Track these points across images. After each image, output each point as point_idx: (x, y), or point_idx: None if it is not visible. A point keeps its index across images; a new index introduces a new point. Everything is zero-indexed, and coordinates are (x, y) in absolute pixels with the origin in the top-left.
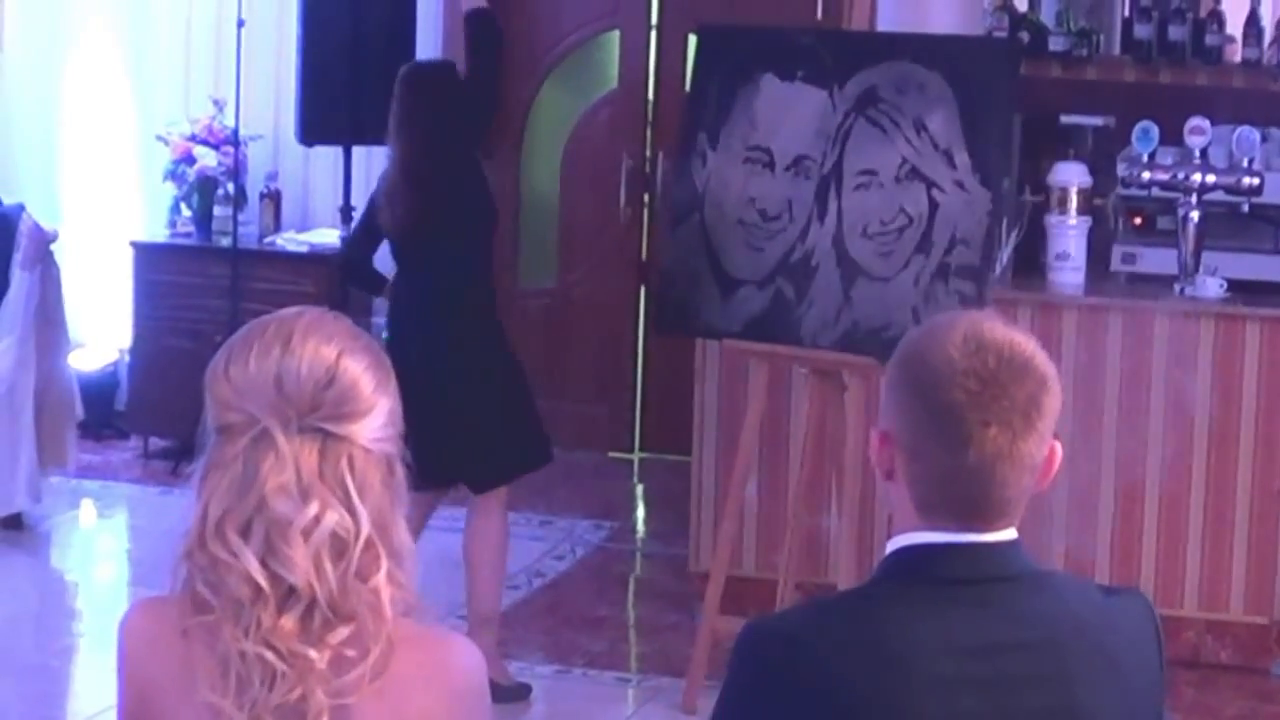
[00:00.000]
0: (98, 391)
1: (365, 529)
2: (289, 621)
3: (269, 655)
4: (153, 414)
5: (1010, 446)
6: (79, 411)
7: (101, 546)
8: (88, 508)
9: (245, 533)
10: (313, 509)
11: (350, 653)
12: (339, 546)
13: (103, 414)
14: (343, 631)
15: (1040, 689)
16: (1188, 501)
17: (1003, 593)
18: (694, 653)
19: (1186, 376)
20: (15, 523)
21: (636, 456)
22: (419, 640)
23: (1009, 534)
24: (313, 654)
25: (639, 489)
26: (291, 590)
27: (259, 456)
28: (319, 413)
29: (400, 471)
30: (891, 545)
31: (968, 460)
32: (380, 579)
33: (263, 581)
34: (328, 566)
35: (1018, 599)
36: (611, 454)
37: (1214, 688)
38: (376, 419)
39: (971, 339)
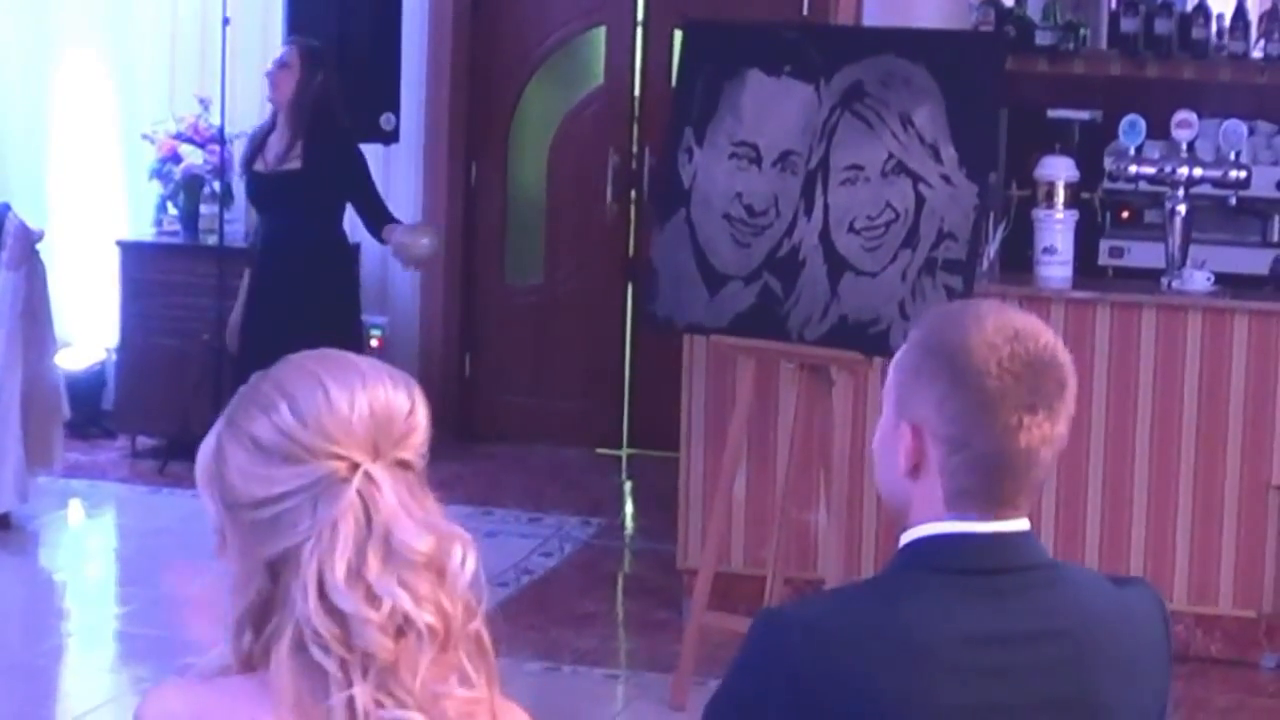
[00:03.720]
0: (85, 391)
1: (472, 559)
2: (422, 665)
3: (403, 697)
4: (140, 413)
5: (1051, 431)
6: (66, 411)
7: (89, 546)
8: (75, 507)
9: (377, 579)
10: (437, 544)
11: (480, 695)
12: (457, 579)
13: (90, 413)
14: (468, 669)
15: (1058, 679)
16: (1176, 495)
17: (1020, 583)
18: (682, 649)
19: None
20: (3, 523)
21: (624, 453)
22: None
23: (1024, 524)
24: (445, 701)
25: (627, 485)
26: (424, 632)
27: (370, 500)
28: (404, 444)
29: None
30: (907, 536)
31: (1017, 446)
32: (482, 613)
33: (418, 621)
34: (453, 601)
35: (1035, 589)
36: (599, 450)
37: (1203, 681)
38: (420, 436)
39: (1005, 327)
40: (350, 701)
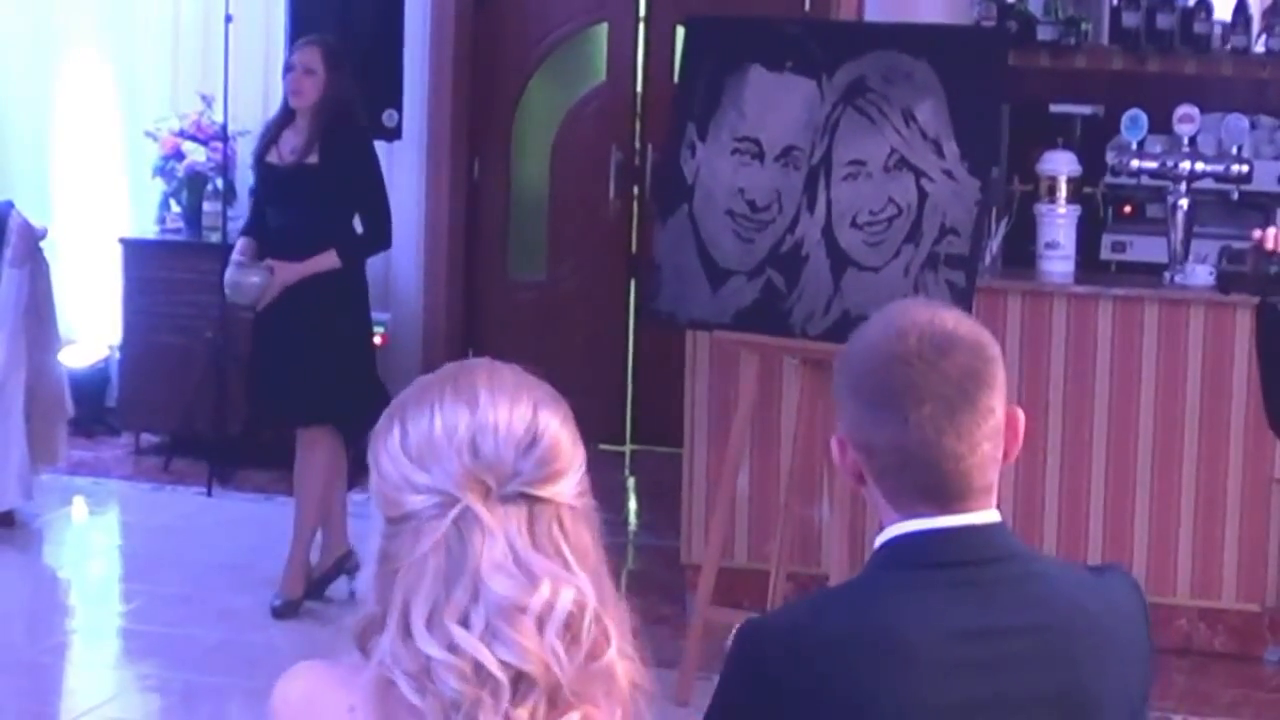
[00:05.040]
0: (88, 388)
1: (591, 600)
2: (523, 713)
3: None
4: (144, 410)
5: (949, 422)
6: (70, 408)
7: (93, 543)
8: (79, 504)
9: (464, 623)
10: (545, 588)
11: None
12: (570, 624)
13: (93, 410)
14: (574, 717)
15: (1043, 671)
16: (1179, 489)
17: (995, 575)
18: (686, 644)
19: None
20: (7, 520)
21: (627, 449)
22: None
23: (990, 515)
24: None
25: (630, 481)
26: (519, 678)
27: (465, 538)
28: (521, 477)
29: (600, 526)
30: (879, 539)
31: (910, 442)
32: (612, 654)
33: (497, 672)
34: (559, 647)
35: (1012, 581)
36: (602, 446)
37: (1206, 675)
38: (577, 474)
39: (892, 325)
40: None
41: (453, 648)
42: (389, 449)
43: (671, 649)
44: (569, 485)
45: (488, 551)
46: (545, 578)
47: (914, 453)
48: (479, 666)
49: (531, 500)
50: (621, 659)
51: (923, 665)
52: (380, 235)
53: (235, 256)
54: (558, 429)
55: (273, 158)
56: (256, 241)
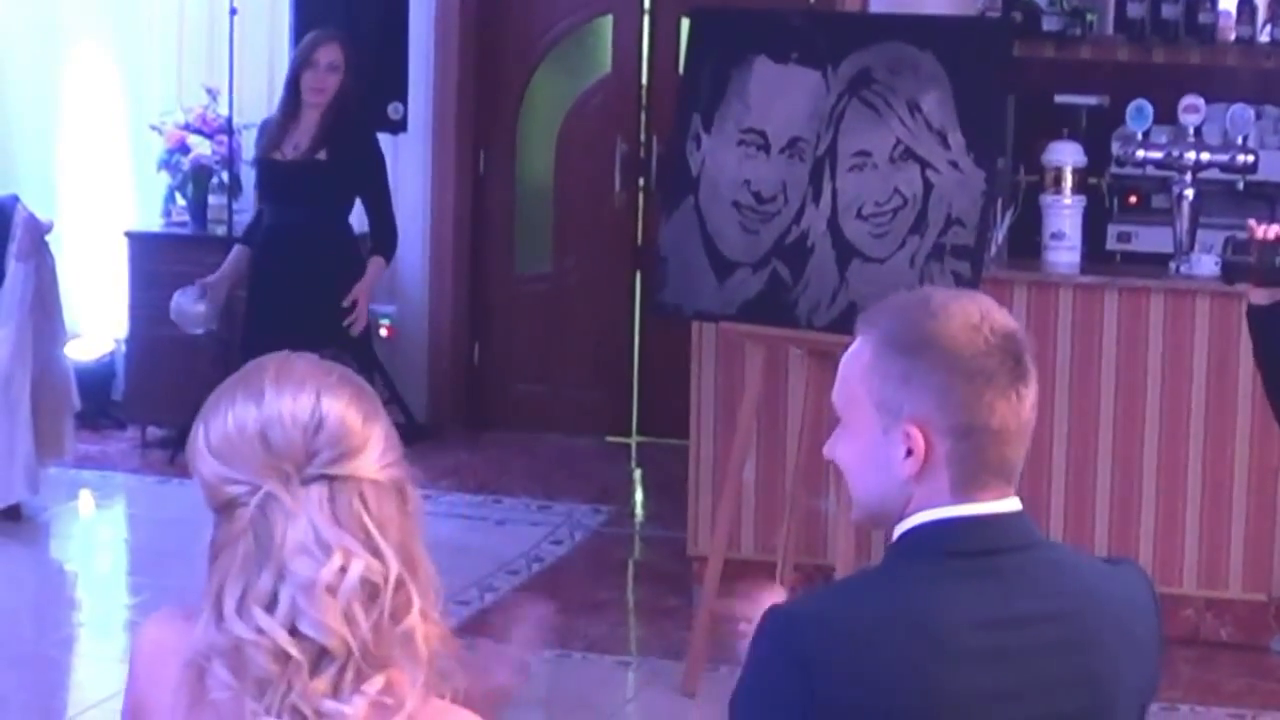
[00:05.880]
0: (94, 382)
1: (394, 568)
2: (321, 683)
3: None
4: (150, 403)
5: (1034, 409)
6: (76, 402)
7: (100, 536)
8: (86, 498)
9: (270, 605)
10: (336, 561)
11: (388, 700)
12: (370, 592)
13: (100, 404)
14: (378, 680)
15: (1067, 659)
16: (1185, 479)
17: (1021, 563)
18: (693, 635)
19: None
20: (14, 514)
21: (634, 440)
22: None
23: (1014, 504)
24: (347, 710)
25: (637, 473)
26: (324, 651)
27: (269, 522)
28: (317, 459)
29: (415, 494)
30: (903, 525)
31: (1021, 419)
32: (414, 618)
33: (294, 651)
34: (359, 616)
35: (1036, 569)
36: (609, 438)
37: (1213, 665)
38: (375, 448)
39: (970, 310)
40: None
41: (259, 630)
42: (197, 448)
43: (678, 640)
44: (367, 461)
45: (291, 533)
46: (338, 551)
47: (1014, 432)
48: (281, 643)
49: (330, 480)
50: (424, 623)
51: (949, 653)
52: (394, 228)
53: (183, 289)
54: (343, 410)
55: (277, 154)
56: (249, 246)
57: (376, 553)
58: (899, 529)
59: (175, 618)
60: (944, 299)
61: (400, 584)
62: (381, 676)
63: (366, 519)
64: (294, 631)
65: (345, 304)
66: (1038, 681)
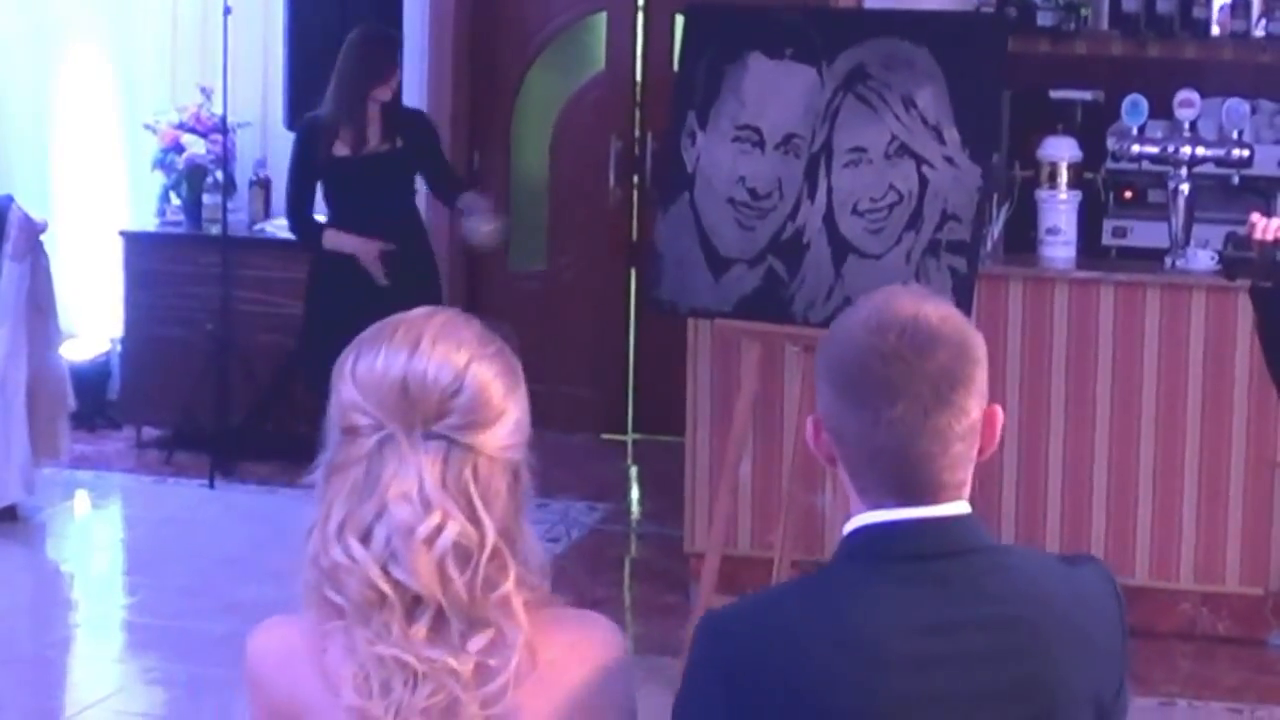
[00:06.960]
0: (90, 381)
1: (491, 538)
2: (420, 629)
3: (408, 659)
4: (145, 403)
5: (922, 423)
6: (71, 402)
7: (96, 537)
8: (82, 498)
9: (366, 538)
10: (434, 519)
11: (493, 661)
12: (464, 556)
13: (95, 404)
14: (480, 640)
15: (1004, 665)
16: (1182, 474)
17: (961, 568)
18: (690, 633)
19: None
20: (9, 514)
21: (630, 438)
22: (561, 622)
23: (959, 508)
24: (453, 662)
25: (633, 470)
26: (418, 598)
27: (382, 461)
28: (445, 420)
29: (526, 477)
30: (846, 527)
31: (880, 440)
32: (509, 587)
33: (386, 588)
34: (454, 575)
35: (978, 574)
36: (604, 436)
37: (1211, 660)
38: (504, 427)
39: (874, 317)
40: (355, 640)
41: (351, 558)
42: (345, 371)
43: (675, 638)
44: (491, 438)
45: (398, 479)
46: (438, 510)
47: (883, 449)
48: (372, 580)
49: (450, 443)
50: (521, 591)
51: (878, 661)
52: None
53: (468, 214)
54: (487, 383)
55: (341, 150)
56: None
57: (475, 521)
58: (845, 529)
59: (280, 624)
60: (864, 301)
61: (496, 554)
62: (484, 637)
63: (473, 489)
64: (386, 572)
65: (460, 205)
66: (972, 689)
